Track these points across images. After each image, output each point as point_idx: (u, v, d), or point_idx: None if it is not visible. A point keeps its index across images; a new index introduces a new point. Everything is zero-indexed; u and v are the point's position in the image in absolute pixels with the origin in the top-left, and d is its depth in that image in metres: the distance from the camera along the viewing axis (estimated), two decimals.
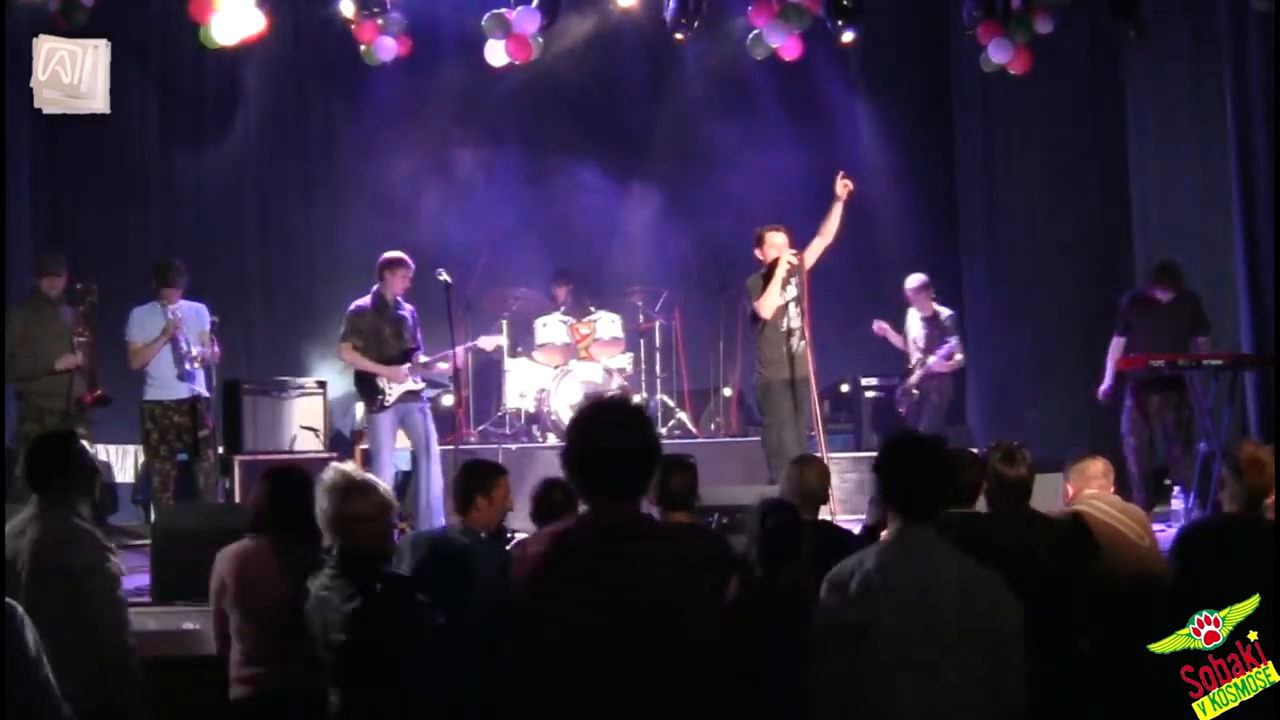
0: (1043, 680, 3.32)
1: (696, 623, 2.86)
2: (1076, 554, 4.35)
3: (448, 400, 8.94)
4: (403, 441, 8.15)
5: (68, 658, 3.73)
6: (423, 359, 7.86)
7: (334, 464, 3.91)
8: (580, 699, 2.82)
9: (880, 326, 9.57)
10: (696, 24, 9.27)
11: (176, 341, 7.46)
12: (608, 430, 2.95)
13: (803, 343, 7.45)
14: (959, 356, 9.22)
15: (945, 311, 9.35)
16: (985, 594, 3.15)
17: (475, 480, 4.64)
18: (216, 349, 7.73)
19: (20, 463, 4.24)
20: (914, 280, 9.35)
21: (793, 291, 7.47)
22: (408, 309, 7.94)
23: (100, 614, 3.92)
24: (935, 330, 9.21)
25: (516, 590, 2.97)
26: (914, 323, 9.37)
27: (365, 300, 7.85)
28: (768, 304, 7.38)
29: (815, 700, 3.18)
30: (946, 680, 3.07)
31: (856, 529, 5.11)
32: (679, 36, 9.29)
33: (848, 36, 9.41)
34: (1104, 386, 8.35)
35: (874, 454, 8.62)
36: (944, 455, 3.41)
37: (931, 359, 9.11)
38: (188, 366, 7.49)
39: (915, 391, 9.20)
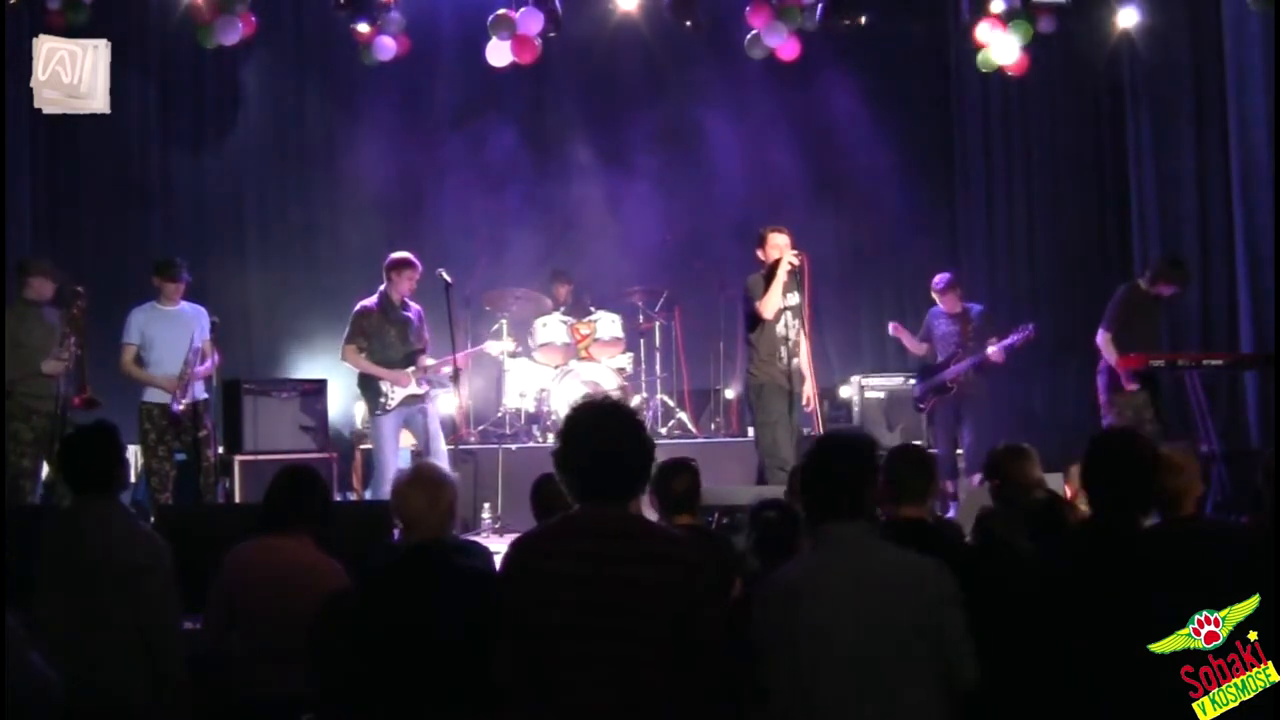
0: (1041, 680, 3.33)
1: (689, 622, 2.86)
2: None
3: (447, 401, 8.93)
4: (407, 440, 8.16)
5: (119, 654, 3.77)
6: (428, 362, 7.85)
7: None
8: (569, 696, 2.83)
9: (896, 328, 9.41)
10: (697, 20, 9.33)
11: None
12: (596, 432, 2.96)
13: (796, 360, 7.32)
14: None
15: (975, 307, 9.19)
16: (916, 579, 3.14)
17: None
18: (218, 358, 7.70)
19: (65, 457, 4.17)
20: (941, 278, 9.18)
21: (793, 299, 7.37)
22: (414, 310, 7.93)
23: (158, 616, 3.92)
24: (966, 326, 9.01)
25: (504, 588, 2.97)
26: (940, 320, 9.15)
27: (371, 301, 7.83)
28: (770, 305, 7.25)
29: (762, 709, 3.17)
30: (892, 673, 3.07)
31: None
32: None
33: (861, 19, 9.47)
34: (1125, 384, 8.13)
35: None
36: (871, 454, 3.39)
37: (991, 348, 8.71)
38: (179, 401, 7.43)
39: (950, 387, 8.94)
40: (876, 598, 3.10)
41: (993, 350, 8.72)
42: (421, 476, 3.73)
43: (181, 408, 7.40)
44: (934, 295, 9.18)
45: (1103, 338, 8.20)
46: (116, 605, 3.84)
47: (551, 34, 9.30)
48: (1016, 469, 4.63)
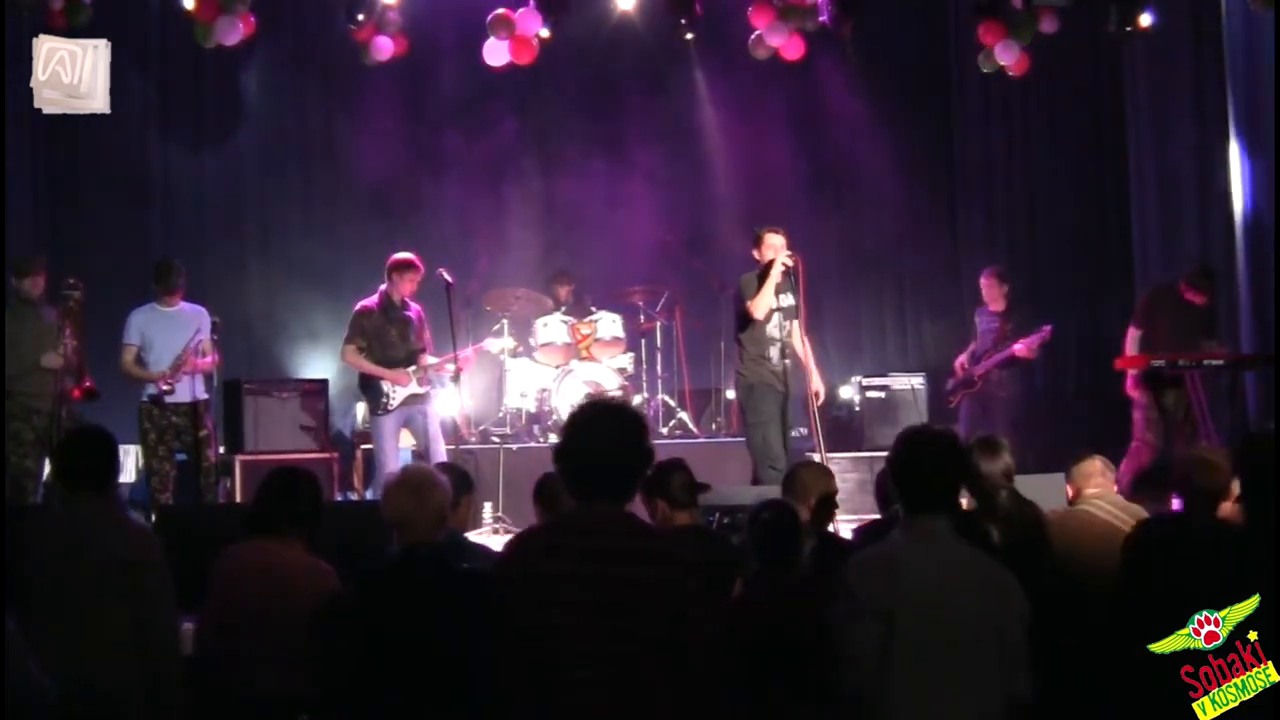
0: (1041, 680, 3.34)
1: (689, 621, 2.87)
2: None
3: (448, 401, 8.92)
4: (407, 440, 8.16)
5: (114, 652, 3.78)
6: (431, 360, 7.85)
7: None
8: (569, 695, 2.83)
9: (961, 364, 9.44)
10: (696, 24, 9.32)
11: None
12: (594, 434, 2.98)
13: (786, 361, 7.29)
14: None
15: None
16: (997, 585, 3.24)
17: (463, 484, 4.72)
18: (217, 356, 7.70)
19: (61, 455, 4.17)
20: (987, 271, 9.34)
21: (787, 300, 7.34)
22: (414, 309, 7.93)
23: (154, 612, 3.91)
24: (1005, 324, 9.10)
25: (503, 589, 2.97)
26: (984, 317, 9.31)
27: (371, 300, 7.83)
28: (761, 305, 7.24)
29: (839, 676, 3.24)
30: (958, 670, 3.14)
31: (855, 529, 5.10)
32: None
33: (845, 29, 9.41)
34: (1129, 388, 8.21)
35: (875, 454, 8.67)
36: (960, 450, 3.50)
37: (1018, 345, 8.87)
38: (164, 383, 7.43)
39: (976, 383, 9.06)
40: (963, 596, 3.19)
41: (1019, 347, 8.87)
42: (409, 478, 3.72)
43: (165, 388, 7.38)
44: (981, 287, 9.32)
45: (1130, 334, 8.31)
46: (111, 601, 3.83)
47: (549, 33, 9.27)
48: (987, 462, 4.62)
